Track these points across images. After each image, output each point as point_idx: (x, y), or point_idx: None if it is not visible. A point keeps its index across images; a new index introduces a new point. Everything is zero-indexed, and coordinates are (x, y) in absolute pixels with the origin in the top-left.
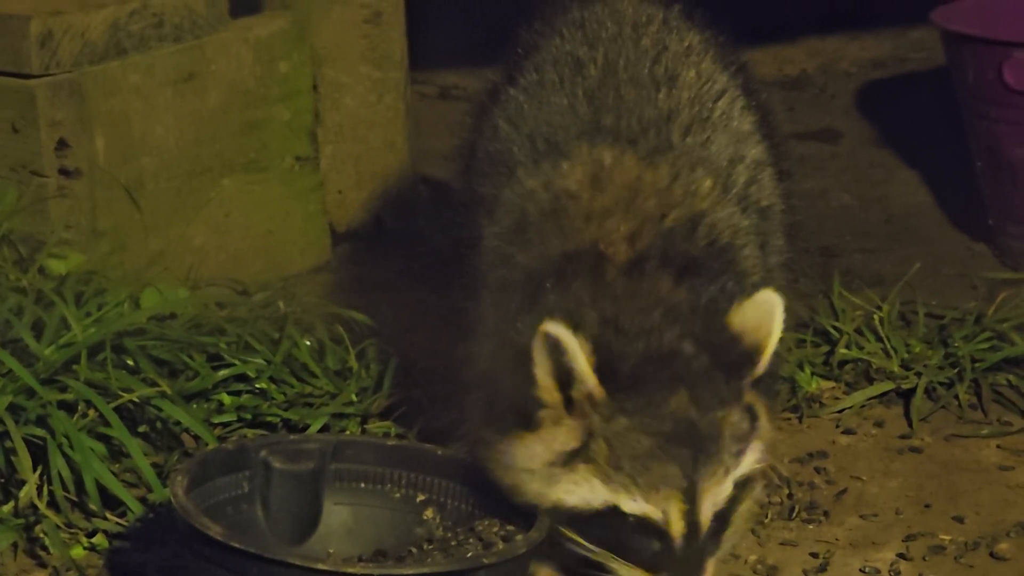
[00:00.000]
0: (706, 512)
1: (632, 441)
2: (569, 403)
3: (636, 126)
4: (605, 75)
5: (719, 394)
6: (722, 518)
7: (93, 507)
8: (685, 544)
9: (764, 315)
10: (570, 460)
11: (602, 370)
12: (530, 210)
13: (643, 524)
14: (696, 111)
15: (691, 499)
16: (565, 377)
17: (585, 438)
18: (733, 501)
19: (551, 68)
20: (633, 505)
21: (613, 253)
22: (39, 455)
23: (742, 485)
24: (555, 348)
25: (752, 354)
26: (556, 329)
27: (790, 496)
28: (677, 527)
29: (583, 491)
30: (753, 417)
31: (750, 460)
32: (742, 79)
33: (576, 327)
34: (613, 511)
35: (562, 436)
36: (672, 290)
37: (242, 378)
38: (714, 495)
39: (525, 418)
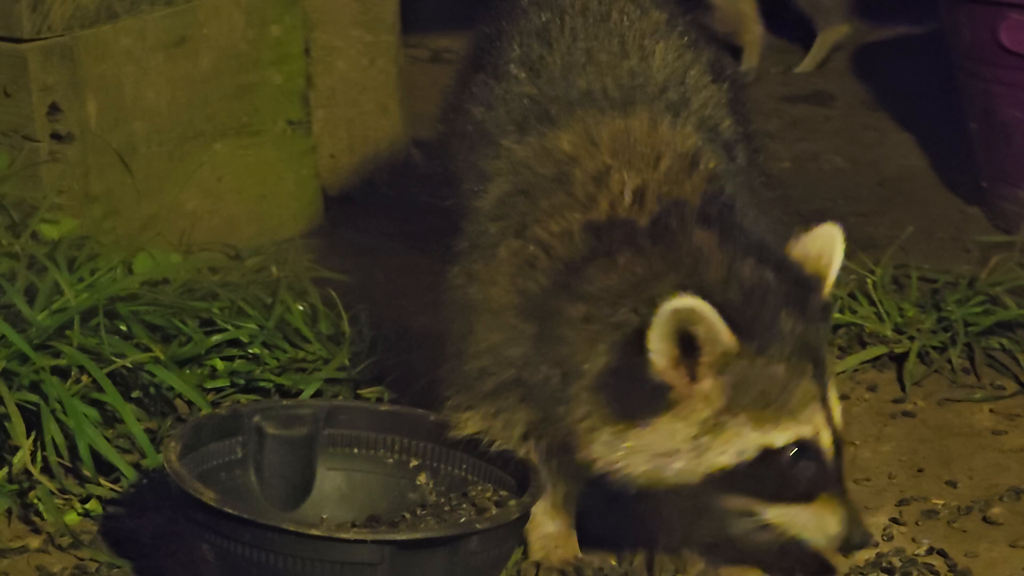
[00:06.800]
0: (838, 415)
1: (771, 374)
2: (691, 372)
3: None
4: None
5: (811, 307)
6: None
7: (87, 473)
8: (835, 454)
9: (826, 245)
10: (717, 422)
11: (729, 323)
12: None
13: (799, 449)
14: (668, 76)
15: (826, 406)
16: (690, 347)
17: (729, 393)
18: None
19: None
20: (786, 435)
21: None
22: (32, 421)
23: None
24: (686, 321)
25: (818, 279)
26: (689, 302)
27: None
28: (825, 438)
29: (736, 445)
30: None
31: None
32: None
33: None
34: (765, 454)
35: (701, 404)
36: (722, 240)
37: (235, 343)
38: (835, 397)
39: (651, 403)
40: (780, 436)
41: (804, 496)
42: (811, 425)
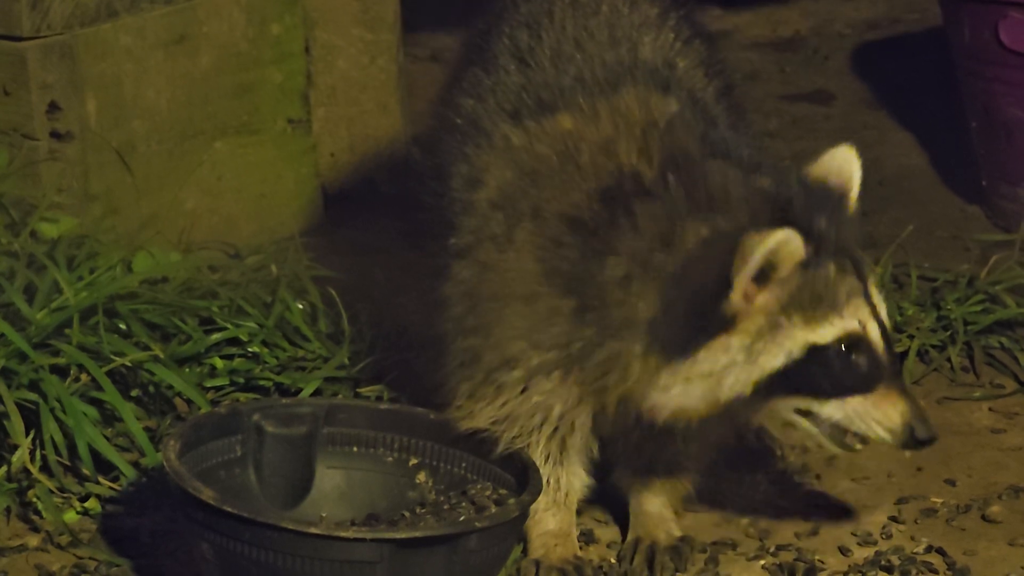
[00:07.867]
0: (882, 308)
1: (821, 275)
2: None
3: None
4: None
5: (841, 211)
6: None
7: (86, 471)
8: (885, 346)
9: (843, 163)
10: (771, 326)
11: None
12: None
13: (848, 343)
14: (657, 64)
15: (870, 301)
16: (769, 268)
17: (784, 298)
18: None
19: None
20: (833, 330)
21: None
22: (31, 419)
23: None
24: (774, 251)
25: (843, 188)
26: (782, 236)
27: (782, 459)
28: (873, 331)
29: (786, 346)
30: None
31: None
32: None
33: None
34: (813, 352)
35: (759, 314)
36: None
37: (234, 342)
38: (877, 293)
39: (705, 330)
40: (828, 332)
41: (860, 389)
42: (856, 319)
